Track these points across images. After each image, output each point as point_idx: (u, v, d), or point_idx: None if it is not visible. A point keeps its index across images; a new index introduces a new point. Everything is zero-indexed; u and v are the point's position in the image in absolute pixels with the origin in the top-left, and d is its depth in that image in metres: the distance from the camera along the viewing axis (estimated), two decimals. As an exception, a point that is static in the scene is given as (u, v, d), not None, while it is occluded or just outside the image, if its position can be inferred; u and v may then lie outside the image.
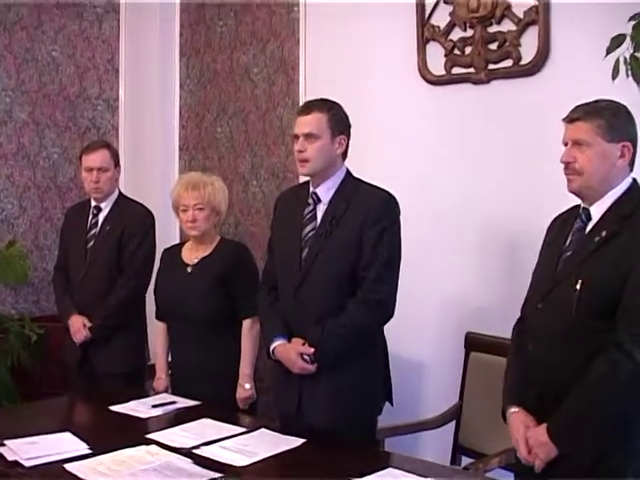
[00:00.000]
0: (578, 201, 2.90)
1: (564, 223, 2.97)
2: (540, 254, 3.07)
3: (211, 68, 5.86)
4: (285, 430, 3.30)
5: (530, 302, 2.97)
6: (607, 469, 2.66)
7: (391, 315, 3.39)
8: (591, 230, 2.80)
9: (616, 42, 2.76)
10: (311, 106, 3.44)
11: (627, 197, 2.80)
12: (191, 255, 4.09)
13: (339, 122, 3.43)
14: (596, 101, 2.83)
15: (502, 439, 2.91)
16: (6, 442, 3.03)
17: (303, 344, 3.34)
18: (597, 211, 2.81)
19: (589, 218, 2.83)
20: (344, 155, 3.49)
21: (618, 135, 2.77)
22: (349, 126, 3.49)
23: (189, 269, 4.06)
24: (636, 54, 2.73)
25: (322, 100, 3.48)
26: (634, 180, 2.84)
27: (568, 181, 2.83)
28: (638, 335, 2.62)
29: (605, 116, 2.76)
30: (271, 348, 3.44)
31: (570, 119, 2.82)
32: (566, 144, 2.84)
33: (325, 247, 3.37)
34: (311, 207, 3.46)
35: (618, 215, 2.76)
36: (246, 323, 4.02)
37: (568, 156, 2.80)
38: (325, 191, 3.44)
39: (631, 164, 2.82)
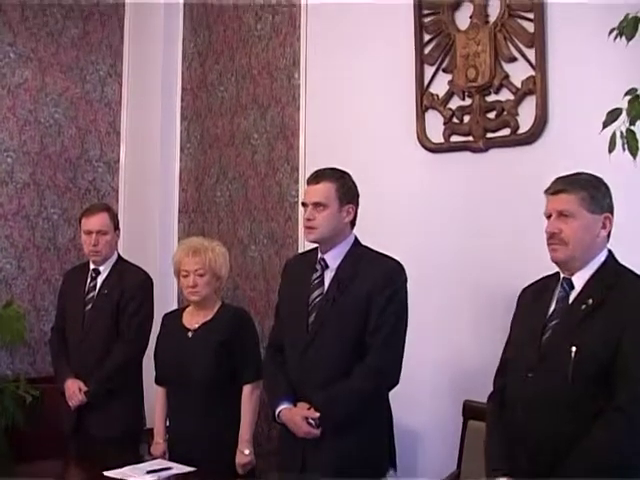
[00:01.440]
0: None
1: (540, 293, 3.03)
2: (514, 324, 3.12)
3: (212, 132, 5.91)
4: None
5: (515, 372, 2.99)
6: None
7: (396, 382, 3.44)
8: (575, 299, 2.87)
9: (612, 116, 2.79)
10: (321, 175, 3.52)
11: (607, 267, 2.89)
12: (192, 320, 4.09)
13: (348, 191, 3.51)
14: (577, 174, 2.95)
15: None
16: (-1, 508, 3.01)
17: (309, 408, 3.37)
18: (579, 281, 2.89)
19: (572, 287, 2.88)
20: (352, 223, 3.55)
21: (600, 207, 2.88)
22: (357, 195, 3.57)
23: (190, 334, 4.05)
24: (631, 128, 2.76)
25: (332, 169, 3.56)
26: (609, 251, 2.94)
27: (553, 251, 2.91)
28: (638, 398, 2.66)
29: (588, 188, 2.86)
30: (276, 411, 3.46)
31: (554, 191, 2.90)
32: (549, 216, 2.91)
33: (332, 313, 3.42)
34: (319, 273, 3.52)
35: (601, 284, 2.84)
36: (246, 388, 4.00)
37: (553, 227, 2.89)
38: (333, 257, 3.50)
39: (608, 235, 2.93)
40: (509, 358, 3.11)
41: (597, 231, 2.88)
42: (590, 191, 2.87)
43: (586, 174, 2.95)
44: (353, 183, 3.58)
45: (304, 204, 3.54)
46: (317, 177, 3.53)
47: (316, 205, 3.46)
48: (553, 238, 2.90)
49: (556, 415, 2.77)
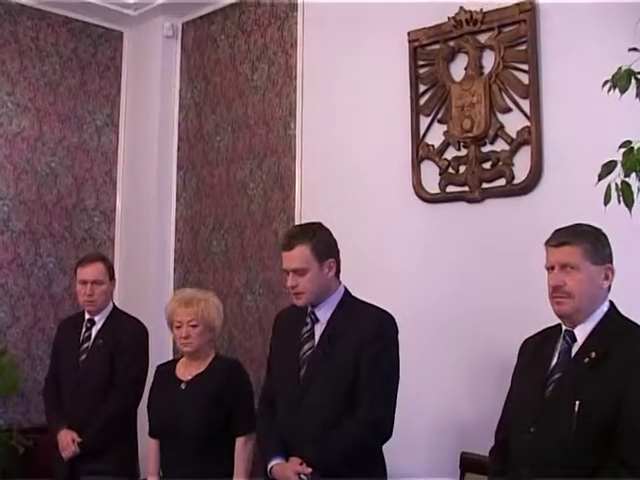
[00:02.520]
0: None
1: (542, 345, 3.00)
2: (516, 376, 3.08)
3: (208, 182, 5.93)
4: None
5: (517, 426, 2.95)
6: None
7: (389, 435, 3.39)
8: (578, 352, 2.84)
9: (607, 169, 2.79)
10: (293, 240, 3.45)
11: (609, 319, 2.87)
12: (185, 371, 4.05)
13: (324, 248, 3.44)
14: (577, 225, 2.94)
15: None
16: None
17: (301, 463, 3.31)
18: (582, 333, 2.86)
19: (574, 340, 2.86)
20: (338, 274, 3.51)
21: (602, 258, 2.88)
22: (335, 246, 3.52)
23: (183, 386, 4.01)
24: (626, 180, 2.76)
25: (303, 229, 3.52)
26: (611, 303, 2.92)
27: (557, 304, 2.88)
28: None
29: (590, 240, 2.86)
30: (268, 467, 3.40)
31: (557, 243, 2.88)
32: (551, 267, 2.89)
33: (323, 366, 3.38)
34: (309, 326, 3.48)
35: (604, 336, 2.81)
36: (239, 441, 3.95)
37: (557, 279, 2.86)
38: (323, 311, 3.47)
39: (609, 286, 2.92)
40: (511, 412, 3.07)
41: (600, 282, 2.87)
42: (592, 242, 2.87)
43: (586, 225, 2.95)
44: (328, 235, 3.52)
45: (285, 270, 3.49)
46: (290, 242, 3.46)
47: (295, 271, 3.42)
48: (557, 291, 2.88)
49: (560, 473, 2.72)
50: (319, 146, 5.13)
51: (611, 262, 2.92)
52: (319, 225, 3.55)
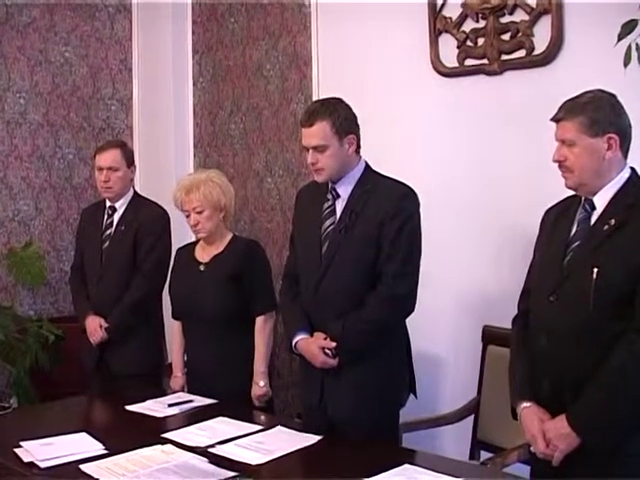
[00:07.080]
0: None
1: (562, 214, 2.96)
2: (538, 247, 3.06)
3: (224, 65, 5.85)
4: (308, 424, 3.34)
5: (537, 295, 2.94)
6: (627, 453, 2.64)
7: (411, 310, 3.39)
8: (597, 220, 2.80)
9: (627, 28, 2.72)
10: (313, 116, 3.37)
11: (629, 186, 2.79)
12: (204, 253, 4.06)
13: (344, 124, 3.38)
14: (580, 95, 2.83)
15: (521, 433, 2.88)
16: (22, 444, 3.03)
17: (325, 338, 3.35)
18: (601, 201, 2.81)
19: (593, 208, 2.82)
20: (358, 150, 3.46)
21: (602, 129, 2.75)
22: (356, 122, 3.45)
23: (202, 267, 4.03)
24: (647, 40, 2.70)
25: (323, 105, 3.43)
26: (633, 169, 2.83)
27: (564, 179, 2.84)
28: None
29: (587, 112, 2.75)
30: (293, 342, 3.45)
31: (556, 119, 2.82)
32: (557, 142, 2.84)
33: (344, 242, 3.37)
34: (330, 202, 3.46)
35: (623, 204, 2.75)
36: (259, 320, 3.99)
37: (559, 155, 2.83)
38: (344, 187, 3.43)
39: (626, 153, 2.81)
40: (532, 281, 3.06)
41: (602, 153, 2.77)
42: (590, 114, 2.76)
43: (590, 93, 2.83)
44: (348, 111, 3.44)
45: (305, 147, 3.44)
46: (309, 118, 3.38)
47: (316, 148, 3.36)
48: (561, 166, 2.84)
49: (578, 341, 2.72)
50: (334, 23, 5.03)
51: (616, 130, 2.78)
52: (339, 100, 3.47)
